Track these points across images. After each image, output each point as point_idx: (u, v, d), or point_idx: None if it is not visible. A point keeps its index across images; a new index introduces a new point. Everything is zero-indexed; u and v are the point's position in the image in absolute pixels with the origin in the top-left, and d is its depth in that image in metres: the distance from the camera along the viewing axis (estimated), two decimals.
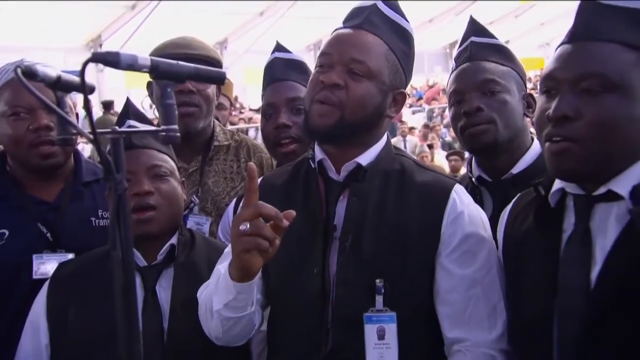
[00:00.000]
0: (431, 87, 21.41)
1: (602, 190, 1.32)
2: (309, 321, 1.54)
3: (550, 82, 1.35)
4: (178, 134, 1.14)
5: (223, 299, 1.46)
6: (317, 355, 1.52)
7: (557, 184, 1.41)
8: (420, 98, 20.23)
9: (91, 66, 1.04)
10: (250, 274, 1.40)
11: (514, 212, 1.56)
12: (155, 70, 1.13)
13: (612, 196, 1.31)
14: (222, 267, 1.53)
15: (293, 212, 1.36)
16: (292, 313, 1.59)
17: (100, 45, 15.09)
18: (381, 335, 1.49)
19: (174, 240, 1.80)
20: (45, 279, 1.83)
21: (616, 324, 1.25)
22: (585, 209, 1.35)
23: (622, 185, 1.29)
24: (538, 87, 1.44)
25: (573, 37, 1.35)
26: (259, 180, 1.57)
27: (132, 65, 1.09)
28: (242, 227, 1.33)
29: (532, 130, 1.71)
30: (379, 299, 1.49)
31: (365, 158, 1.59)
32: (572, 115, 1.28)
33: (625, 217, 1.28)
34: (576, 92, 1.30)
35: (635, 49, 1.30)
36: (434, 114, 18.11)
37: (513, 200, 1.61)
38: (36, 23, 13.13)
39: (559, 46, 1.38)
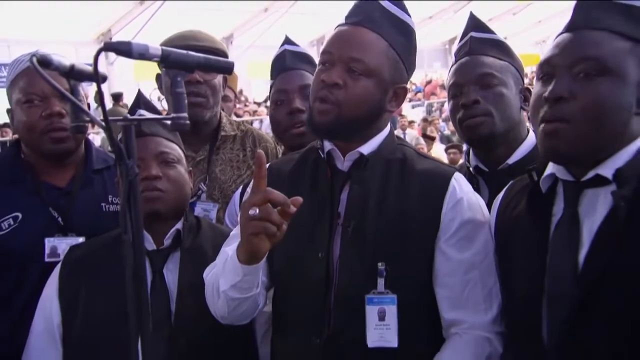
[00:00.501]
0: (429, 82, 21.46)
1: (590, 174, 1.35)
2: (313, 303, 1.58)
3: (547, 67, 1.39)
4: (187, 122, 1.17)
5: (230, 280, 1.51)
6: (320, 336, 1.56)
7: (549, 169, 1.44)
8: (419, 92, 20.29)
9: (101, 59, 1.07)
10: (257, 256, 1.44)
11: (506, 199, 1.60)
12: (166, 60, 1.15)
13: (600, 181, 1.34)
14: (229, 249, 1.57)
15: (300, 199, 1.39)
16: (296, 295, 1.63)
17: (110, 39, 15.12)
18: (382, 317, 1.52)
19: (179, 225, 1.84)
20: (57, 262, 1.87)
21: (603, 305, 1.28)
22: (574, 194, 1.38)
23: (609, 169, 1.33)
24: (534, 81, 1.48)
25: (571, 26, 1.40)
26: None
27: (143, 54, 1.11)
28: (251, 212, 1.37)
29: (529, 124, 1.75)
30: (381, 282, 1.53)
31: (367, 148, 1.63)
32: (567, 97, 1.32)
33: (612, 201, 1.31)
34: (572, 75, 1.34)
35: (630, 39, 1.34)
36: (433, 108, 18.17)
37: (505, 188, 1.64)
38: (48, 17, 13.21)
39: (557, 36, 1.42)
